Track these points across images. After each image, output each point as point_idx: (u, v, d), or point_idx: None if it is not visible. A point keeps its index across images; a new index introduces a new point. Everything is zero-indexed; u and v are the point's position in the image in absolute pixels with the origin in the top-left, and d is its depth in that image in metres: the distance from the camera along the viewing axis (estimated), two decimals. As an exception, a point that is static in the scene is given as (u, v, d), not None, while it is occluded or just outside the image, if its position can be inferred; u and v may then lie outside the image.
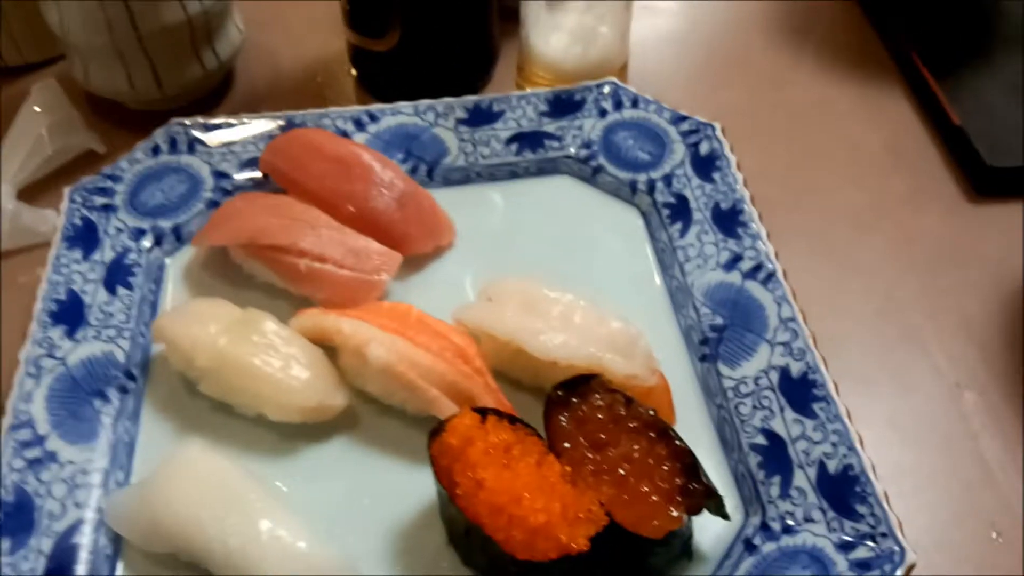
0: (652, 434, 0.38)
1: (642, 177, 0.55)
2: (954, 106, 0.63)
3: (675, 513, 0.36)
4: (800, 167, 0.62)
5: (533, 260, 0.53)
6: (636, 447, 0.38)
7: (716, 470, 0.44)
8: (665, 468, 0.37)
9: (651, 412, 0.39)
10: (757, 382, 0.45)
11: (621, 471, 0.37)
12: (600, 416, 0.39)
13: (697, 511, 0.37)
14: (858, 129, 0.65)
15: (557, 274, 0.51)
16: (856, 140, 0.64)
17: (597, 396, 0.40)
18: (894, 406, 0.49)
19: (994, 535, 0.44)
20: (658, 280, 0.52)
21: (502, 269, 0.51)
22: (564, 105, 0.58)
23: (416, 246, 0.52)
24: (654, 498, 0.36)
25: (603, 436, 0.39)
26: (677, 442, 0.38)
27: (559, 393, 0.40)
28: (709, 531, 0.41)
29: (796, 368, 0.44)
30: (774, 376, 0.45)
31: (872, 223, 0.58)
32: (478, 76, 0.66)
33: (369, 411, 0.46)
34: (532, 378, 0.46)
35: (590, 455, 0.38)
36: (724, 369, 0.46)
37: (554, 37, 0.59)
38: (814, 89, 0.68)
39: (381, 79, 0.66)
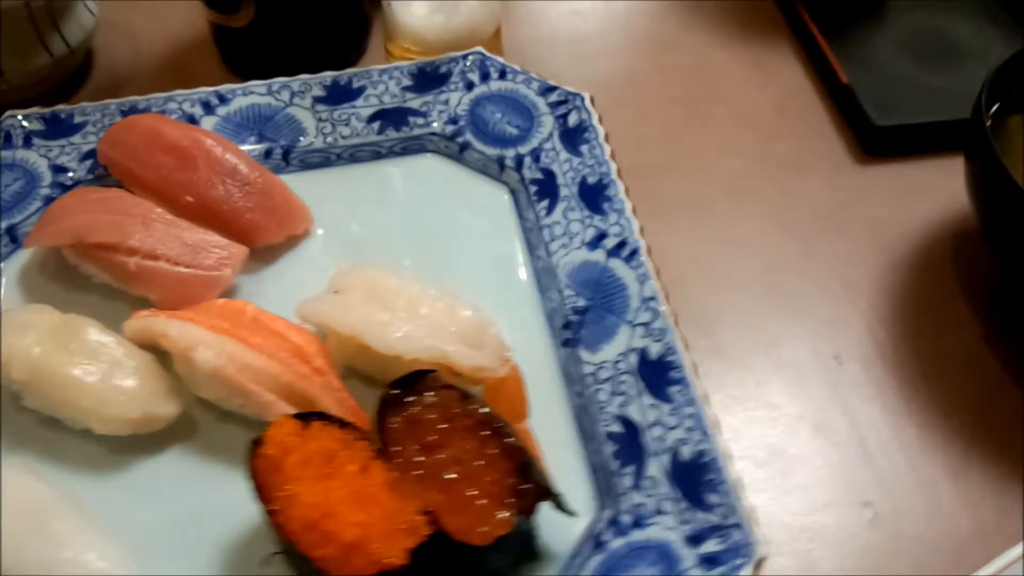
0: (485, 432, 0.36)
1: (510, 153, 0.53)
2: (843, 64, 0.61)
3: (505, 516, 0.34)
4: (683, 133, 0.59)
5: (396, 246, 0.50)
6: (467, 448, 0.35)
7: (573, 463, 0.41)
8: (496, 468, 0.35)
9: (485, 409, 0.37)
10: (616, 366, 0.43)
11: (450, 475, 0.35)
12: (433, 416, 0.37)
13: (530, 512, 0.35)
14: (746, 91, 0.62)
15: (421, 259, 0.49)
16: (743, 103, 0.61)
17: (431, 393, 0.37)
18: (770, 383, 0.47)
19: (870, 515, 0.42)
20: (525, 262, 0.49)
21: (363, 256, 0.48)
22: (428, 78, 0.55)
23: (266, 236, 0.49)
24: (483, 502, 0.34)
25: (435, 437, 0.36)
26: (509, 440, 0.36)
27: (393, 392, 0.38)
28: (564, 528, 0.39)
29: (655, 350, 0.42)
30: (633, 359, 0.42)
31: (754, 188, 0.56)
32: (350, 49, 0.63)
33: (209, 418, 0.43)
34: (383, 373, 0.43)
35: (419, 459, 0.35)
36: (585, 354, 0.44)
37: (414, 6, 0.55)
38: (702, 52, 0.65)
39: (244, 58, 0.62)
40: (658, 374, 0.41)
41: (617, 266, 0.46)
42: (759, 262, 0.52)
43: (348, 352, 0.43)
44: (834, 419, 0.45)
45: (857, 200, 0.55)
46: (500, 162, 0.53)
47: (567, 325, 0.45)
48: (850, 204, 0.55)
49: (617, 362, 0.43)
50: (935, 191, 0.55)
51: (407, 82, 0.55)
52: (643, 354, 0.42)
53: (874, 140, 0.57)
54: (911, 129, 0.57)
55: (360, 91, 0.55)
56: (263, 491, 0.35)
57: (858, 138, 0.58)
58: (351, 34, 0.62)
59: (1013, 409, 0.45)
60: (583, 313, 0.45)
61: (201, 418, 0.43)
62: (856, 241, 0.53)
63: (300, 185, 0.51)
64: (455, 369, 0.40)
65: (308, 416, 0.37)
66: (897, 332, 0.49)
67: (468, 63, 0.55)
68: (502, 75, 0.55)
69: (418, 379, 0.38)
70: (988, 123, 0.47)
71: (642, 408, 0.41)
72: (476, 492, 0.34)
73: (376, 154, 0.54)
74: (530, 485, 0.35)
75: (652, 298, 0.44)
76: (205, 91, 0.54)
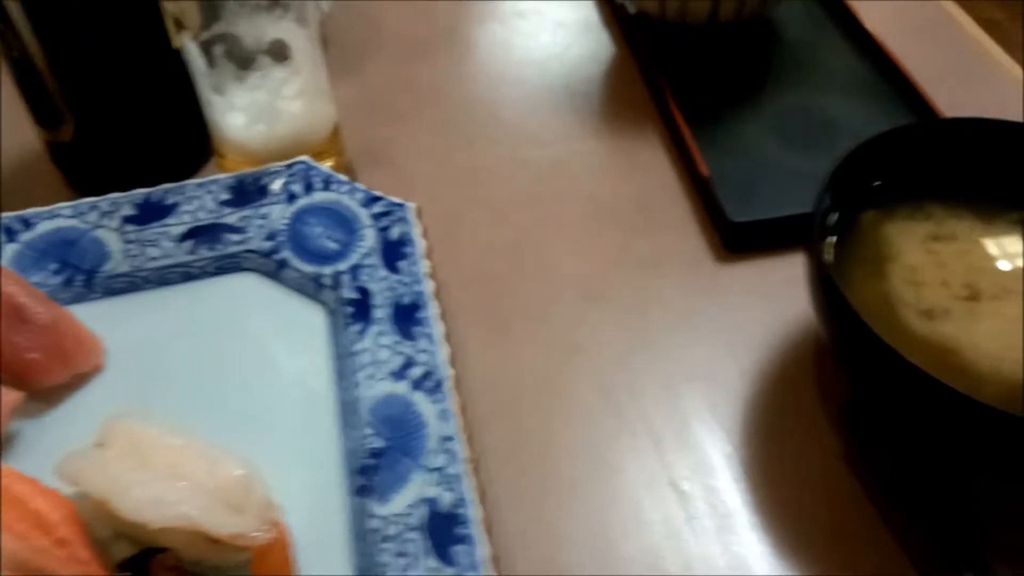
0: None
1: (328, 270, 0.49)
2: (707, 154, 0.57)
3: None
4: (536, 235, 0.55)
5: (190, 382, 0.46)
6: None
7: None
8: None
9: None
10: (405, 520, 0.38)
11: None
12: (156, 604, 0.32)
13: None
14: (609, 186, 0.59)
15: (215, 397, 0.45)
16: (605, 198, 0.58)
17: (159, 576, 0.33)
18: (609, 520, 0.42)
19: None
20: (332, 394, 0.45)
21: (153, 395, 0.44)
22: (248, 192, 0.51)
23: (48, 377, 0.45)
24: None
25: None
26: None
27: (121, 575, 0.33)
28: None
29: (446, 500, 0.37)
30: (423, 511, 0.38)
31: (605, 292, 0.52)
32: (191, 160, 0.60)
33: (-48, 595, 0.38)
34: (151, 540, 0.38)
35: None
36: (375, 505, 0.39)
37: (231, 116, 0.52)
38: (569, 144, 0.62)
39: (79, 173, 0.59)
40: (445, 530, 0.37)
41: (420, 400, 0.41)
42: (601, 376, 0.47)
43: (104, 516, 0.38)
44: (668, 556, 0.40)
45: (714, 303, 0.51)
46: (317, 280, 0.49)
47: (362, 470, 0.41)
48: (706, 308, 0.51)
49: (407, 515, 0.38)
50: (797, 291, 0.50)
51: (225, 196, 0.51)
52: (433, 505, 0.38)
53: (733, 236, 0.53)
54: (772, 224, 0.53)
55: (173, 208, 0.51)
56: None
57: (719, 234, 0.54)
58: (188, 145, 0.59)
59: (871, 535, 0.41)
60: (379, 456, 0.40)
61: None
62: (710, 350, 0.49)
63: (99, 315, 0.47)
64: (211, 537, 0.36)
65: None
66: (752, 453, 0.44)
67: (291, 173, 0.51)
68: (326, 185, 0.51)
69: (147, 558, 0.33)
70: (829, 223, 0.43)
71: (427, 573, 0.36)
72: None
73: (187, 276, 0.50)
74: None
75: (450, 438, 0.39)
76: (8, 216, 0.50)
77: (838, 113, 0.61)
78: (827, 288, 0.39)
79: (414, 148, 0.62)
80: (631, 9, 0.70)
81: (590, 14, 0.74)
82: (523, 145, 0.62)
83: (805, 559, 0.40)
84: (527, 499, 0.42)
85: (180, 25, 0.49)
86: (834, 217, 0.44)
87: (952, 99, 0.59)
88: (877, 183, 0.46)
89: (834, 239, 0.44)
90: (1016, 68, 0.67)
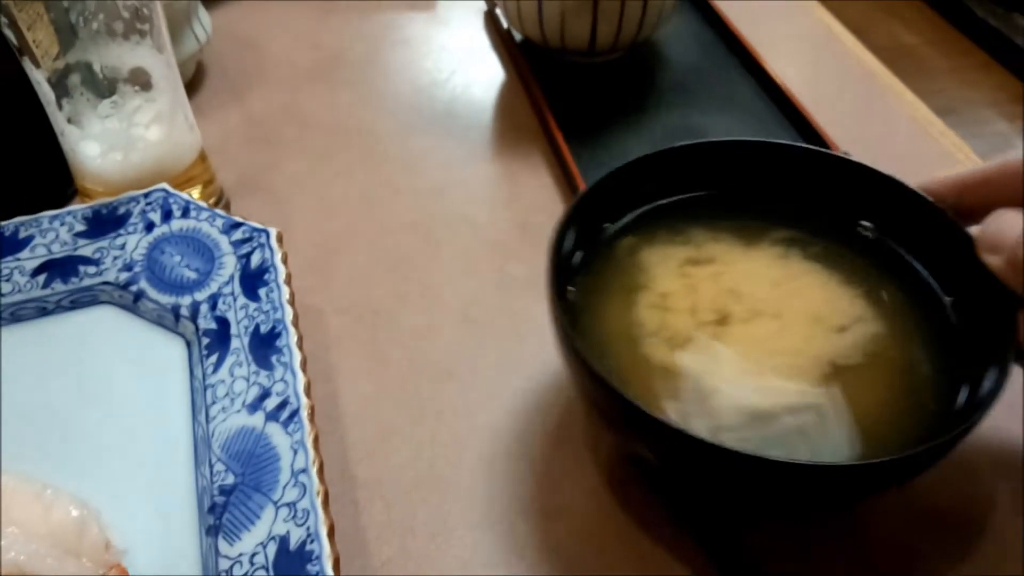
0: None
1: (186, 300, 0.47)
2: (586, 175, 0.57)
3: None
4: (415, 261, 0.54)
5: (50, 418, 0.43)
6: None
7: None
8: None
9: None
10: (252, 560, 0.36)
11: None
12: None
13: None
14: (491, 209, 0.58)
15: (75, 433, 0.42)
16: (486, 222, 0.57)
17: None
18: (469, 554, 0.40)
19: None
20: (186, 430, 0.42)
21: (7, 432, 0.41)
22: (104, 222, 0.49)
23: None
24: None
25: None
26: None
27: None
28: None
29: (296, 536, 0.35)
30: (272, 550, 0.36)
31: (480, 316, 0.50)
32: (56, 191, 0.57)
33: None
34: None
35: None
36: (223, 545, 0.37)
37: (84, 145, 0.50)
38: (452, 169, 0.61)
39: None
40: (295, 568, 0.34)
41: (274, 432, 0.39)
42: (470, 400, 0.46)
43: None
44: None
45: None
46: (175, 312, 0.46)
47: (212, 508, 0.38)
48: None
49: (254, 555, 0.36)
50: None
51: (80, 227, 0.49)
52: (283, 543, 0.36)
53: (611, 255, 0.52)
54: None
55: (27, 241, 0.48)
56: None
57: (599, 253, 0.54)
58: (54, 177, 0.56)
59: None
60: (229, 493, 0.38)
61: None
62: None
63: (-62, 355, 0.44)
64: (38, 585, 0.33)
65: None
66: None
67: (149, 201, 0.49)
68: (185, 213, 0.49)
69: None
70: (574, 261, 0.42)
71: (271, 614, 0.34)
72: None
73: (42, 311, 0.48)
74: None
75: (303, 471, 0.37)
76: None
77: (722, 132, 0.62)
78: (558, 326, 0.37)
79: (293, 175, 0.60)
80: (517, 36, 0.70)
81: (479, 40, 0.74)
82: (405, 172, 0.61)
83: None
84: (393, 531, 0.41)
85: (23, 53, 0.47)
86: (579, 255, 0.43)
87: (839, 119, 0.60)
88: (639, 210, 0.45)
89: (583, 274, 0.42)
90: (901, 86, 0.69)
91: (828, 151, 0.46)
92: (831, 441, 0.36)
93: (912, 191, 0.41)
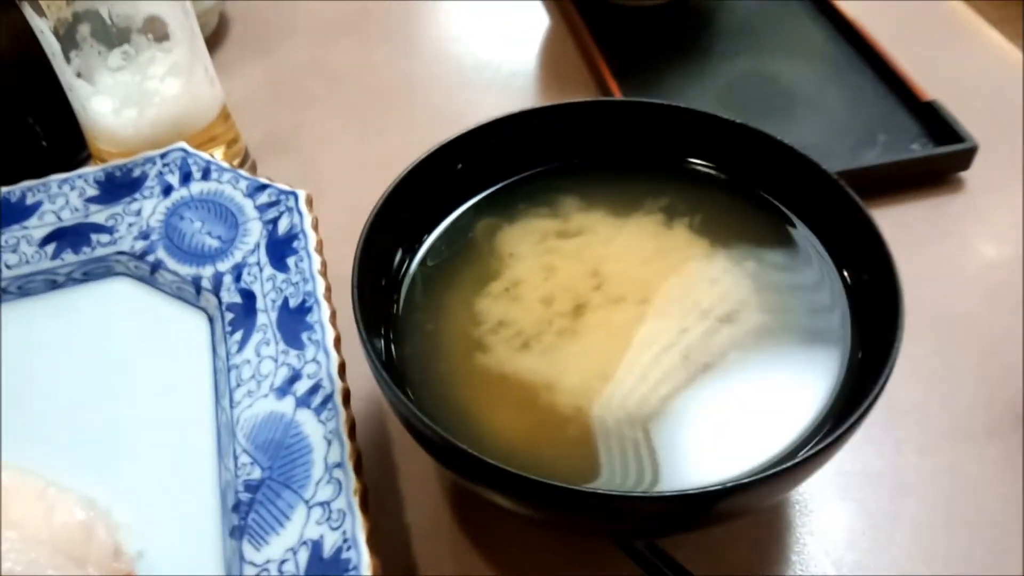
0: None
1: (208, 271, 0.42)
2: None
3: None
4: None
5: (59, 403, 0.39)
6: None
7: None
8: None
9: None
10: (282, 569, 0.31)
11: None
12: None
13: None
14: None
15: (86, 420, 0.38)
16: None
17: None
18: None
19: None
20: (208, 417, 0.38)
21: (13, 420, 0.37)
22: (118, 186, 0.45)
23: None
24: None
25: None
26: None
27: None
28: None
29: (330, 541, 0.31)
30: (303, 557, 0.31)
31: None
32: (64, 153, 0.53)
33: None
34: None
35: None
36: (249, 550, 0.32)
37: (94, 101, 0.45)
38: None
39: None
40: (328, 579, 0.30)
41: (305, 419, 0.35)
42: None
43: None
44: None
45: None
46: (196, 284, 0.42)
47: (236, 506, 0.34)
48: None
49: (283, 562, 0.31)
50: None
51: (92, 192, 0.44)
52: (316, 549, 0.31)
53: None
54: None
55: (35, 208, 0.44)
56: None
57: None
58: (60, 136, 0.52)
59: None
60: (255, 489, 0.34)
61: None
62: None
63: (-59, 333, 0.40)
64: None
65: None
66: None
67: (167, 162, 0.45)
68: (205, 174, 0.44)
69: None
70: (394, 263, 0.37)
71: (303, 633, 0.29)
72: None
73: (52, 283, 0.44)
74: None
75: (339, 465, 0.33)
76: None
77: (794, 79, 0.56)
78: (365, 347, 0.31)
79: (324, 134, 0.55)
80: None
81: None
82: (444, 129, 0.55)
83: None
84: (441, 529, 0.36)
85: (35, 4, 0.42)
86: (428, 246, 0.37)
87: (925, 67, 0.54)
88: (497, 185, 0.39)
89: (432, 265, 0.37)
90: (989, 29, 0.62)
91: (711, 113, 0.38)
92: (684, 460, 0.30)
93: (805, 157, 0.35)
